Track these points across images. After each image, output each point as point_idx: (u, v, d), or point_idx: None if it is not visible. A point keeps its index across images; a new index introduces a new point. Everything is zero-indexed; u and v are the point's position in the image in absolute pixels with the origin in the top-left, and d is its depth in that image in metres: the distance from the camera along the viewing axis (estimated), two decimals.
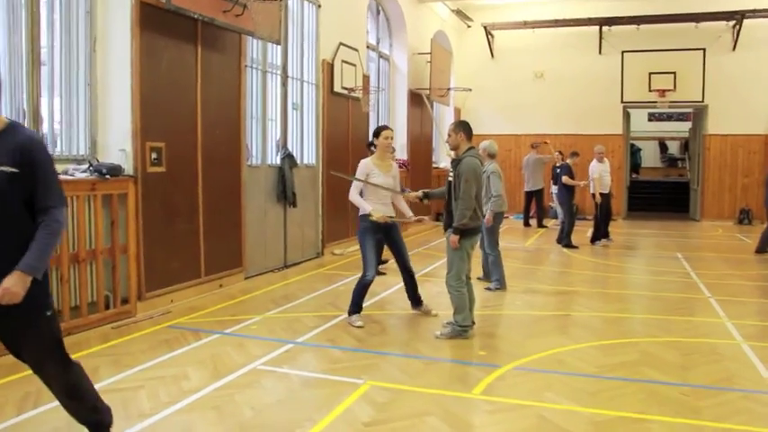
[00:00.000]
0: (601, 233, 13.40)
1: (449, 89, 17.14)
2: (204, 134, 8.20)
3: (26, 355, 3.34)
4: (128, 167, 7.08)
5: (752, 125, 17.93)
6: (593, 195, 13.03)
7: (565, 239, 12.90)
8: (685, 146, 26.75)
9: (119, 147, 7.10)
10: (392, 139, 7.03)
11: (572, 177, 12.97)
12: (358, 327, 6.64)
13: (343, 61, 11.94)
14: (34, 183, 3.16)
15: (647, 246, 13.66)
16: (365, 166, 6.89)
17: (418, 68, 16.21)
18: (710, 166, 18.44)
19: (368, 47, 14.23)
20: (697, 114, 19.66)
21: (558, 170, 13.62)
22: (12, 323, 3.21)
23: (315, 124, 11.32)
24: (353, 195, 6.91)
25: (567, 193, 13.01)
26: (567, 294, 8.50)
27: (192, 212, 8.07)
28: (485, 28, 19.18)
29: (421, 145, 16.45)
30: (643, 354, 5.86)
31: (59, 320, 3.70)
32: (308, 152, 11.27)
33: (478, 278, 10.10)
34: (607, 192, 13.28)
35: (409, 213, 7.13)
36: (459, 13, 18.83)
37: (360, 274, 6.91)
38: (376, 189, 6.83)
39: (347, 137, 12.25)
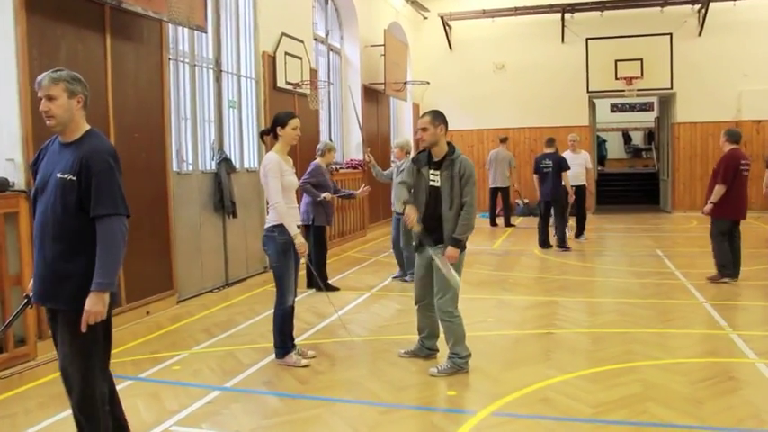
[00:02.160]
0: (583, 226, 12.56)
1: (405, 83, 16.08)
2: (119, 139, 6.99)
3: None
4: (18, 181, 5.86)
5: (721, 112, 17.22)
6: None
7: (560, 241, 11.71)
8: (649, 136, 26.26)
9: (5, 156, 5.88)
10: (299, 128, 5.74)
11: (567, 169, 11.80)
12: (304, 366, 5.50)
13: (286, 54, 10.80)
14: (89, 192, 3.29)
15: (623, 243, 12.74)
16: (277, 162, 5.54)
17: (372, 62, 15.12)
18: (680, 155, 17.69)
19: (316, 39, 13.10)
20: (664, 102, 18.92)
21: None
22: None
23: (256, 124, 10.15)
24: (280, 202, 5.48)
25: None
26: (546, 306, 7.47)
27: None
28: (441, 18, 18.16)
29: (378, 144, 15.35)
30: (645, 384, 4.83)
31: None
32: (250, 155, 10.10)
33: (393, 276, 9.33)
34: (581, 184, 12.35)
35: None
36: (414, 3, 17.78)
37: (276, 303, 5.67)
38: (289, 193, 5.62)
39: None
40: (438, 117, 5.24)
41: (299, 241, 5.52)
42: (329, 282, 8.81)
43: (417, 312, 5.58)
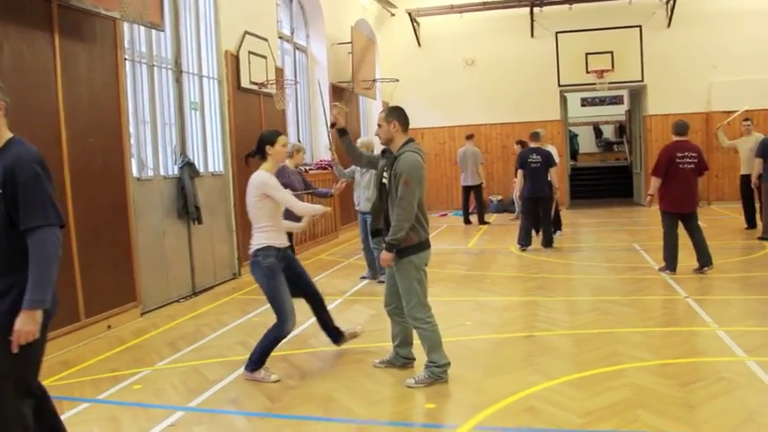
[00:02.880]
0: (557, 222, 12.37)
1: (374, 81, 15.77)
2: (72, 144, 6.62)
3: None
4: None
5: (691, 104, 17.15)
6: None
7: (549, 241, 11.31)
8: (620, 129, 26.24)
9: None
10: (287, 144, 5.50)
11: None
12: (274, 381, 5.17)
13: (250, 53, 10.44)
14: (16, 203, 3.09)
15: (599, 237, 12.57)
16: (272, 177, 5.26)
17: (339, 60, 14.79)
18: (653, 147, 17.48)
19: (281, 38, 12.76)
20: (635, 95, 18.82)
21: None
22: None
23: (220, 126, 9.78)
24: (294, 205, 5.30)
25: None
26: (526, 307, 7.21)
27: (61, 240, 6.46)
28: (409, 14, 17.87)
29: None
30: (634, 388, 4.57)
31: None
32: (214, 158, 9.73)
33: (362, 277, 9.16)
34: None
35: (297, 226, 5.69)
36: None
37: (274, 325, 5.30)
38: (277, 212, 5.32)
39: None
40: (392, 113, 4.94)
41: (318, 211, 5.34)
42: None
43: (389, 318, 5.29)
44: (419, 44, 18.54)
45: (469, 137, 15.50)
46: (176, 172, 8.60)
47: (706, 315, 6.46)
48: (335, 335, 5.78)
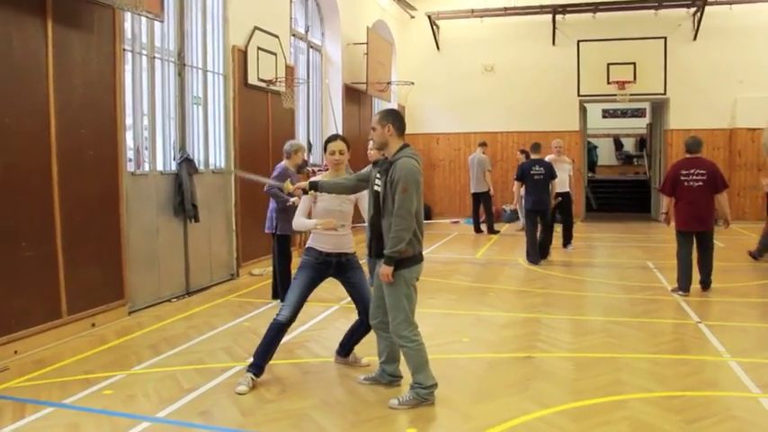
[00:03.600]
0: (569, 235, 11.95)
1: (389, 83, 15.47)
2: (62, 135, 6.37)
3: None
4: None
5: (715, 119, 16.72)
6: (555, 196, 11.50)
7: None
8: (641, 143, 25.77)
9: None
10: (342, 153, 5.23)
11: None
12: (239, 393, 4.86)
13: (259, 49, 10.17)
14: None
15: (612, 253, 12.15)
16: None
17: (355, 61, 14.51)
18: (673, 162, 17.07)
19: (294, 35, 12.49)
20: (657, 108, 18.39)
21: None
22: None
23: (224, 122, 9.52)
24: (297, 219, 5.23)
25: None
26: (527, 325, 6.84)
27: (44, 234, 6.21)
28: (429, 17, 17.56)
29: (360, 146, 14.70)
30: (634, 424, 4.20)
31: None
32: (216, 155, 9.46)
33: None
34: (566, 191, 11.76)
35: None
36: (401, 1, 17.18)
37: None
38: (329, 214, 5.11)
39: (266, 137, 10.47)
40: (387, 116, 4.64)
41: (323, 223, 5.02)
42: None
43: (374, 332, 4.97)
44: (438, 48, 18.22)
45: (482, 144, 15.15)
46: (174, 168, 8.34)
47: (719, 343, 6.07)
48: (346, 350, 5.54)
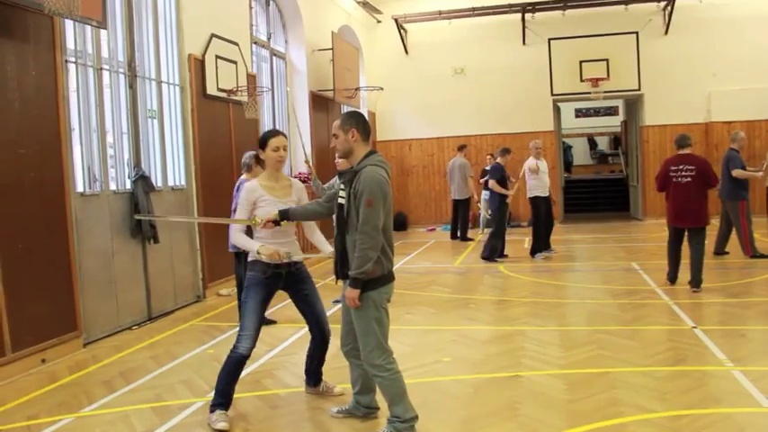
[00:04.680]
0: (541, 244, 11.44)
1: (357, 89, 14.99)
2: None
3: None
4: None
5: (690, 114, 16.47)
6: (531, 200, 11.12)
7: (487, 252, 11.26)
8: (615, 141, 25.58)
9: None
10: (285, 150, 4.71)
11: (504, 180, 11.08)
12: (219, 430, 4.37)
13: (218, 57, 9.66)
14: None
15: (595, 255, 11.75)
16: (251, 191, 4.62)
17: (321, 67, 14.03)
18: (650, 159, 16.82)
19: (256, 43, 12.00)
20: (631, 105, 18.11)
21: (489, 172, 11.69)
22: None
23: (182, 136, 8.98)
24: (236, 235, 4.68)
25: (499, 198, 11.10)
26: (513, 339, 6.37)
27: None
28: (396, 21, 17.13)
29: (329, 156, 14.23)
30: None
31: None
32: (175, 172, 8.91)
33: (334, 301, 8.11)
34: (546, 195, 11.36)
35: (329, 249, 4.71)
36: (365, 5, 16.72)
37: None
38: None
39: (230, 150, 9.95)
40: (350, 120, 4.13)
41: (266, 252, 4.49)
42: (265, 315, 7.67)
43: (347, 360, 4.47)
44: (406, 52, 17.80)
45: (460, 148, 14.74)
46: (129, 186, 7.79)
47: (718, 350, 5.66)
48: (314, 379, 5.03)
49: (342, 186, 4.13)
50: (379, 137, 17.88)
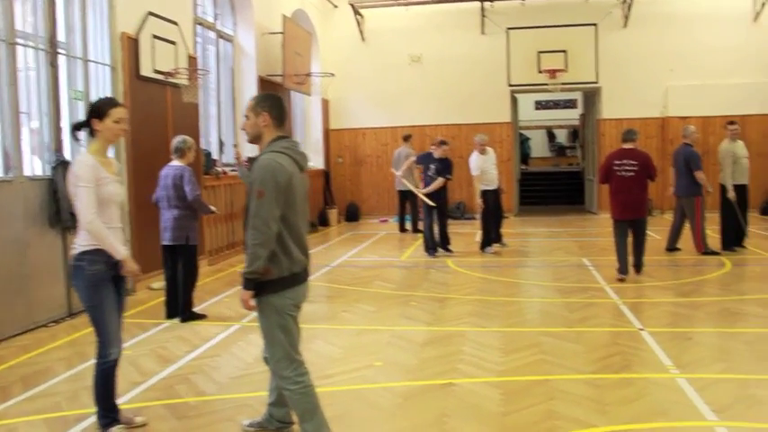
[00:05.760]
0: (491, 237, 11.11)
1: (308, 75, 14.50)
2: None
3: None
4: None
5: (647, 108, 16.33)
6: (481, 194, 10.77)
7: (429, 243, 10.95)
8: (574, 134, 25.51)
9: None
10: (126, 123, 4.19)
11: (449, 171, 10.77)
12: (141, 424, 3.95)
13: (155, 37, 9.11)
14: None
15: (546, 250, 11.48)
16: (91, 166, 4.00)
17: (271, 52, 13.50)
18: (606, 153, 16.50)
19: (201, 24, 11.45)
20: (589, 98, 17.92)
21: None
22: None
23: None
24: (94, 220, 3.95)
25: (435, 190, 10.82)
26: (452, 341, 6.00)
27: None
28: (352, 6, 16.64)
29: None
30: None
31: None
32: None
33: None
34: (494, 188, 11.01)
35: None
36: None
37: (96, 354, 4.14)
38: (107, 207, 4.08)
39: (166, 136, 9.37)
40: (264, 102, 3.70)
41: (132, 266, 4.11)
42: (194, 310, 7.23)
43: (268, 367, 4.03)
44: (363, 39, 17.32)
45: (406, 138, 14.35)
46: (48, 172, 7.25)
47: (664, 355, 5.37)
48: (114, 412, 4.24)
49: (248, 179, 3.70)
50: (332, 125, 17.42)
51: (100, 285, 4.01)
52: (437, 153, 10.79)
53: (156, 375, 5.28)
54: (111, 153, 4.36)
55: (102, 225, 3.97)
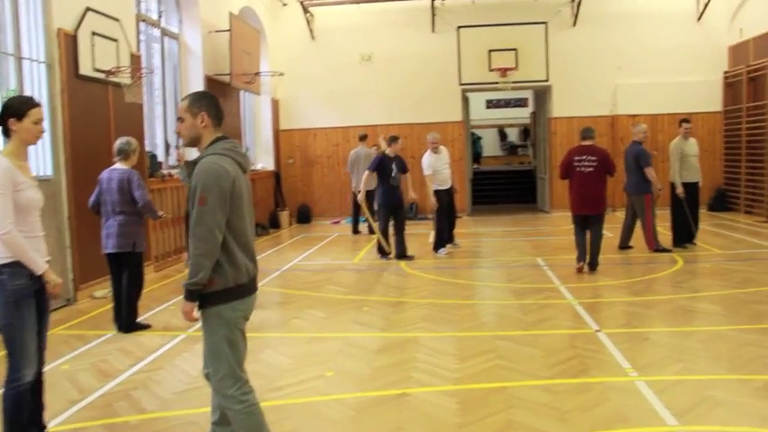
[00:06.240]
0: (444, 238, 10.97)
1: (256, 74, 14.18)
2: None
3: None
4: None
5: (597, 106, 16.40)
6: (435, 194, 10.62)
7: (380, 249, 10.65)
8: (525, 132, 25.67)
9: None
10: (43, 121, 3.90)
11: (386, 172, 10.43)
12: None
13: (94, 34, 8.74)
14: None
15: (500, 250, 11.39)
16: (5, 170, 3.67)
17: (218, 50, 13.16)
18: (557, 151, 16.60)
19: (145, 21, 11.07)
20: (540, 96, 17.97)
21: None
22: None
23: (49, 120, 8.01)
24: (11, 231, 3.63)
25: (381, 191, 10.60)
26: (406, 347, 5.82)
27: None
28: (302, 4, 16.35)
29: None
30: None
31: None
32: (40, 160, 7.95)
33: None
34: (447, 188, 10.85)
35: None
36: None
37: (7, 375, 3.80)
38: (27, 215, 3.78)
39: (108, 137, 9.01)
40: (200, 101, 3.43)
41: (54, 279, 3.82)
42: (139, 320, 6.90)
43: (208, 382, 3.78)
44: (312, 37, 17.04)
45: (363, 138, 14.16)
46: None
47: (622, 357, 5.28)
48: (38, 429, 4.02)
49: (187, 183, 3.45)
50: (282, 125, 17.11)
51: (21, 302, 3.70)
52: (390, 151, 10.56)
53: (95, 392, 4.98)
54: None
55: (19, 236, 3.67)
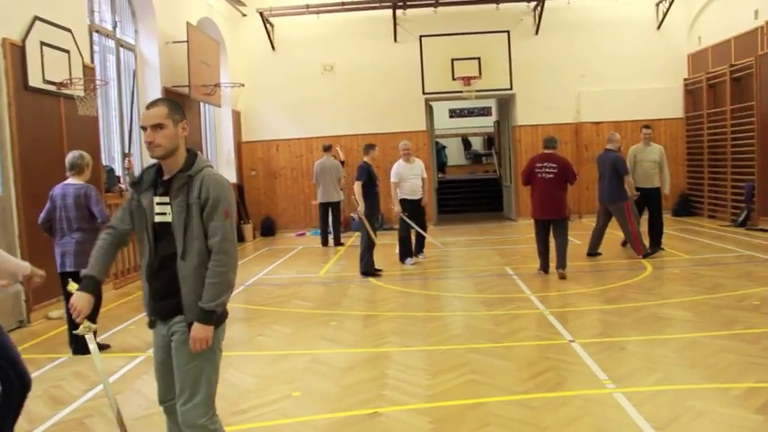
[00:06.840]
0: (409, 249, 10.74)
1: (216, 86, 13.88)
2: None
3: None
4: None
5: (561, 114, 16.46)
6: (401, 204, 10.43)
7: (364, 266, 9.88)
8: (489, 141, 25.71)
9: None
10: None
11: (373, 181, 10.12)
12: None
13: (44, 44, 8.40)
14: None
15: (468, 259, 11.24)
16: None
17: (176, 62, 12.85)
18: (522, 160, 16.48)
19: (98, 31, 10.74)
20: (504, 105, 17.97)
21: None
22: None
23: None
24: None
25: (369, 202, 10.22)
26: (376, 363, 5.60)
27: None
28: (261, 14, 16.10)
29: None
30: None
31: None
32: None
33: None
34: (416, 198, 10.64)
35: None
36: None
37: None
38: None
39: (61, 151, 8.64)
40: (177, 109, 3.19)
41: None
42: (97, 341, 6.54)
43: (166, 417, 3.52)
44: (273, 48, 16.80)
45: (327, 148, 13.95)
46: None
47: (598, 368, 5.12)
48: None
49: (160, 197, 3.17)
50: (244, 137, 16.81)
51: None
52: (368, 159, 10.18)
53: (46, 421, 4.66)
54: None
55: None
